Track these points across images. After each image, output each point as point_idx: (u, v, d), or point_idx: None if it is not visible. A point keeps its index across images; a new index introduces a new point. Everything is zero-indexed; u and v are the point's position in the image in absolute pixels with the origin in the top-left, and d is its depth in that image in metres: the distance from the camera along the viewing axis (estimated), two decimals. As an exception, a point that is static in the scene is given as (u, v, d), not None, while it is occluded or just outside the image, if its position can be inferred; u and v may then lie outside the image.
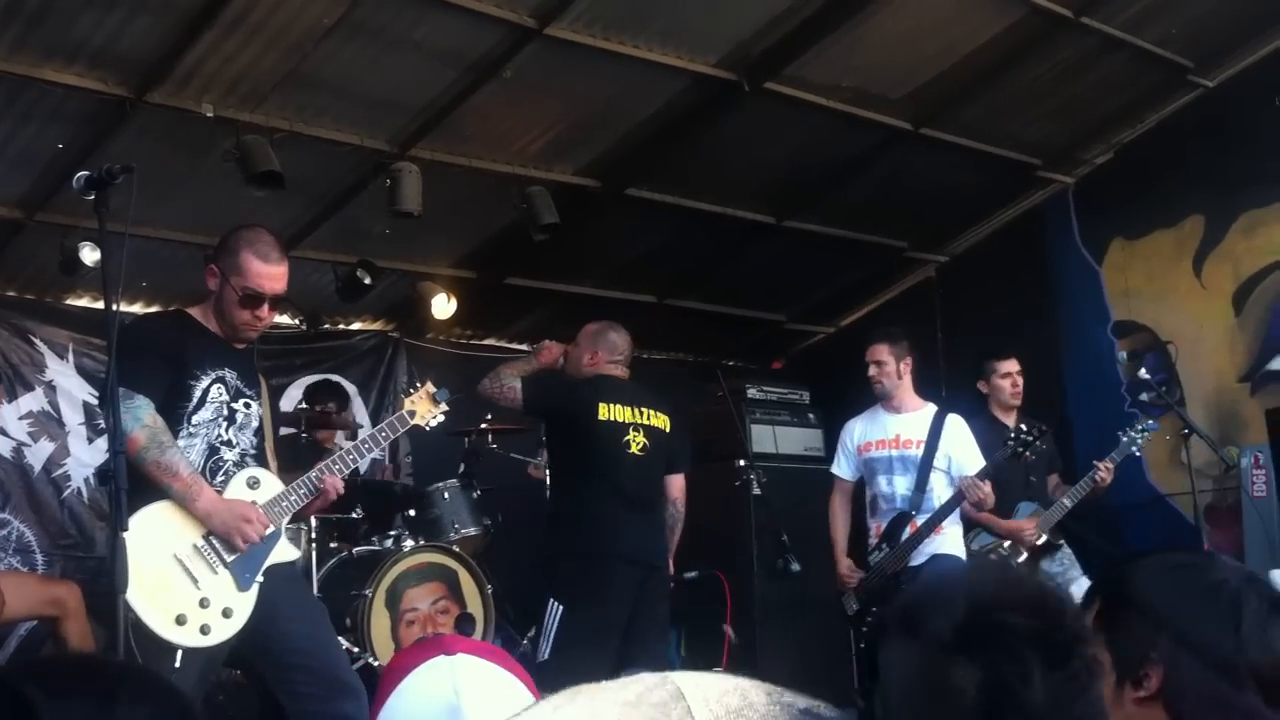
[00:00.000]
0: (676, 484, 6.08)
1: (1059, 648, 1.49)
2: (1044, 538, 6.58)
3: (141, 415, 3.91)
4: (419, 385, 4.74)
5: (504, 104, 6.92)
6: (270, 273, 4.20)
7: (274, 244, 4.28)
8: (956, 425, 6.33)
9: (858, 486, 6.63)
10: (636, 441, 5.82)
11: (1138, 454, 6.96)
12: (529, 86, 6.77)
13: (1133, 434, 6.79)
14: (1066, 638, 1.51)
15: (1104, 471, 6.60)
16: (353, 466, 4.52)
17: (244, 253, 4.18)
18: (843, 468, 6.64)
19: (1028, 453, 6.23)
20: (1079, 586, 6.45)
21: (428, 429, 4.75)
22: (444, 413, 4.75)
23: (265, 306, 4.24)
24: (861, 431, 6.54)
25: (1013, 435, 6.24)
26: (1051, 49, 7.44)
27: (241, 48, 6.02)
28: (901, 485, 6.28)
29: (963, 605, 1.53)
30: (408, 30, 6.16)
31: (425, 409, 4.65)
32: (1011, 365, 7.01)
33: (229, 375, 4.23)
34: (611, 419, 5.83)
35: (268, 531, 4.12)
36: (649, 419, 5.93)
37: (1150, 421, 6.96)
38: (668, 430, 5.99)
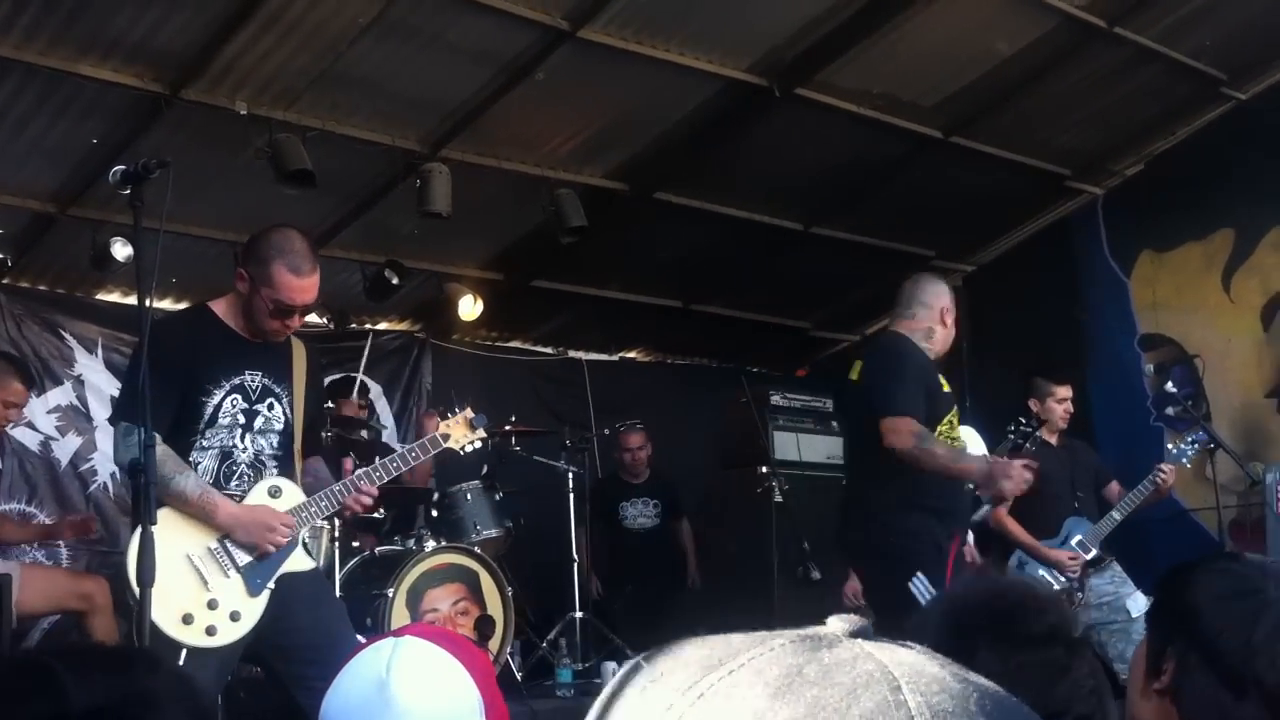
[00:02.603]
0: (883, 430, 4.92)
1: (1032, 640, 1.57)
2: (1094, 552, 6.52)
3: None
4: (458, 409, 4.64)
5: (535, 106, 6.94)
6: (302, 285, 4.07)
7: (306, 253, 4.12)
8: (968, 436, 6.30)
9: None
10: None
11: (1187, 465, 6.90)
12: (560, 88, 6.78)
13: (1183, 446, 6.76)
14: (1033, 628, 1.59)
15: (1166, 473, 6.52)
16: (379, 484, 4.44)
17: (275, 264, 4.03)
18: None
19: (1028, 444, 6.15)
20: (1134, 601, 6.40)
21: (462, 454, 4.71)
22: (480, 439, 4.66)
23: (295, 316, 4.16)
24: None
25: (1011, 429, 6.13)
26: (1084, 59, 7.42)
27: (276, 46, 6.05)
28: None
29: (938, 619, 1.63)
30: (441, 31, 6.18)
31: (461, 433, 4.58)
32: (1067, 391, 6.87)
33: (249, 379, 4.14)
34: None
35: (292, 535, 4.12)
36: (855, 372, 5.20)
37: (1199, 433, 6.92)
38: (856, 379, 5.17)
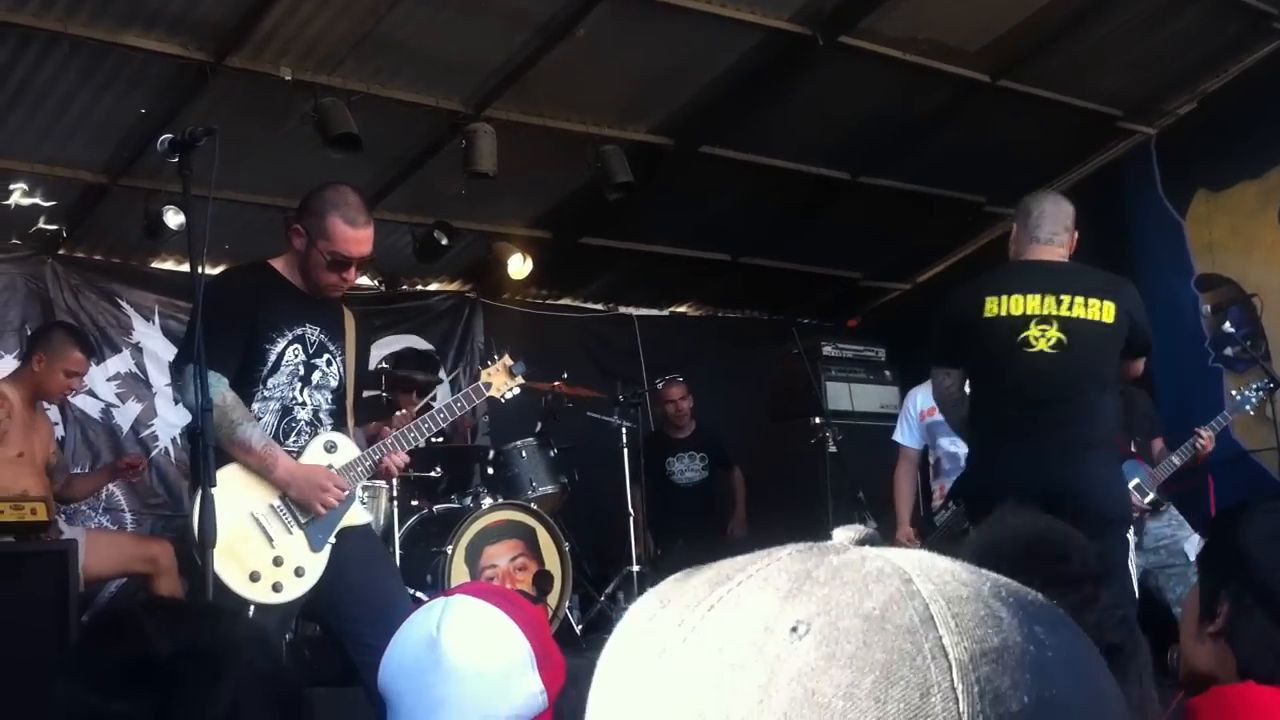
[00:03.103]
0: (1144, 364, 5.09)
1: (1066, 579, 1.58)
2: (1150, 496, 6.49)
3: (211, 395, 3.94)
4: (496, 357, 4.75)
5: (577, 63, 6.92)
6: (358, 237, 4.17)
7: (360, 206, 4.24)
8: None
9: (923, 456, 6.58)
10: (1046, 337, 4.70)
11: (1250, 412, 6.84)
12: (602, 45, 6.76)
13: (1247, 392, 6.70)
14: (1069, 569, 1.61)
15: (1205, 439, 6.48)
16: (427, 436, 4.52)
17: (331, 216, 4.14)
18: (906, 436, 6.61)
19: None
20: (1191, 545, 6.37)
21: (503, 400, 4.79)
22: (520, 385, 4.77)
23: (352, 269, 4.24)
24: (925, 398, 6.48)
25: None
26: (1132, -3, 7.31)
27: (318, 11, 6.07)
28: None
29: (968, 556, 1.60)
30: (481, -10, 6.18)
31: (501, 381, 4.68)
32: None
33: (309, 331, 4.23)
34: (1003, 314, 4.76)
35: (344, 495, 4.20)
36: (1074, 309, 4.74)
37: (1265, 380, 6.84)
38: (1110, 320, 4.74)
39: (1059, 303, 4.72)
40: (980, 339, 4.78)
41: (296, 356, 4.19)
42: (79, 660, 1.35)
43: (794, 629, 0.63)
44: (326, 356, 4.28)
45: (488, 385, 4.67)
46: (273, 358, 4.15)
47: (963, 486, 5.13)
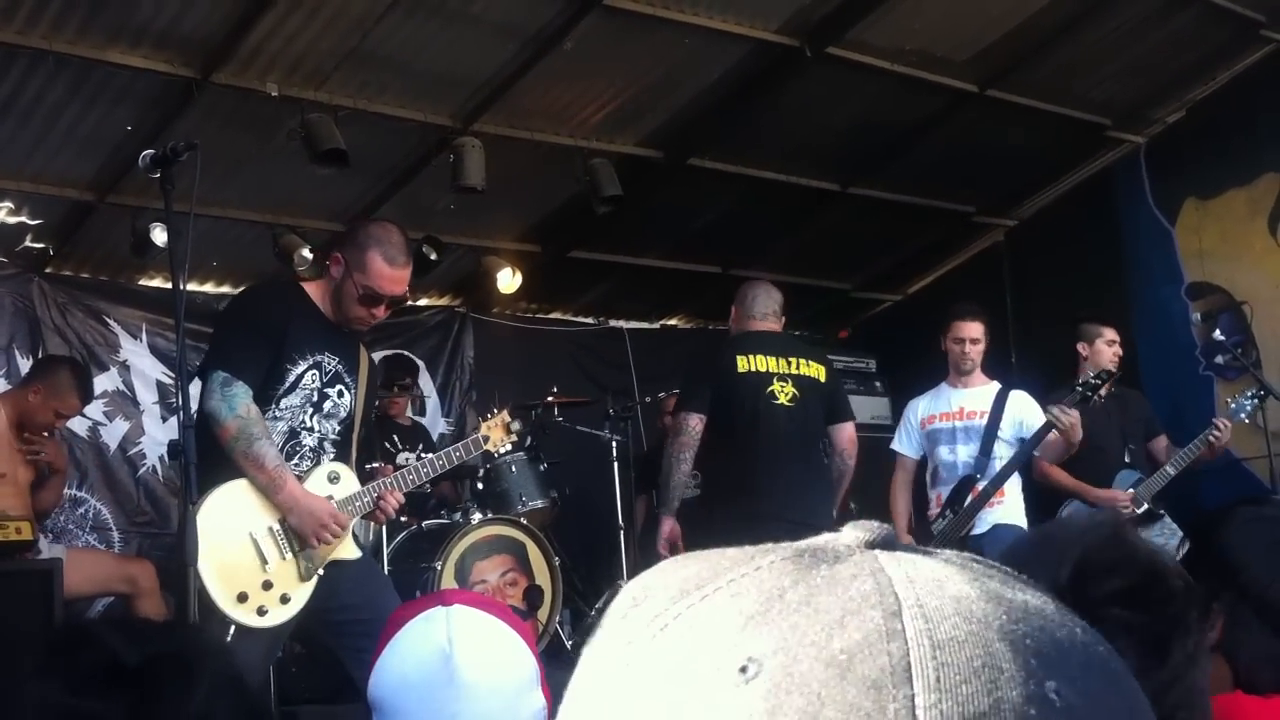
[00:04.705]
0: (845, 433, 5.86)
1: (1159, 641, 1.39)
2: (1145, 506, 6.47)
3: (236, 405, 3.95)
4: (495, 411, 4.80)
5: (565, 76, 6.91)
6: (395, 276, 4.21)
7: (402, 246, 4.27)
8: (1021, 397, 6.29)
9: (920, 466, 6.58)
10: (784, 392, 5.61)
11: (1245, 420, 6.83)
12: (589, 58, 6.75)
13: (1241, 400, 6.69)
14: (1168, 630, 1.41)
15: (1221, 430, 6.42)
16: (423, 482, 4.58)
17: (371, 251, 4.17)
18: (905, 445, 6.61)
19: (1096, 396, 6.12)
20: (1185, 553, 6.30)
21: (498, 456, 4.90)
22: (514, 443, 4.89)
23: (382, 306, 4.27)
24: (925, 407, 6.52)
25: (1080, 383, 6.12)
26: (1120, 6, 7.29)
27: (304, 26, 6.06)
28: (964, 453, 6.24)
29: (1067, 570, 1.42)
30: (467, 4, 6.16)
31: (499, 436, 4.74)
32: (1115, 333, 6.84)
33: (327, 360, 4.24)
34: (753, 370, 5.62)
35: (342, 534, 4.20)
36: (800, 368, 5.71)
37: (1257, 387, 6.84)
38: (823, 380, 5.77)
39: (789, 363, 5.67)
40: (736, 390, 5.58)
41: (313, 382, 4.21)
42: (52, 664, 1.35)
43: (743, 669, 0.52)
44: (339, 388, 4.30)
45: (485, 439, 4.71)
46: (291, 379, 4.16)
47: (717, 518, 5.72)
